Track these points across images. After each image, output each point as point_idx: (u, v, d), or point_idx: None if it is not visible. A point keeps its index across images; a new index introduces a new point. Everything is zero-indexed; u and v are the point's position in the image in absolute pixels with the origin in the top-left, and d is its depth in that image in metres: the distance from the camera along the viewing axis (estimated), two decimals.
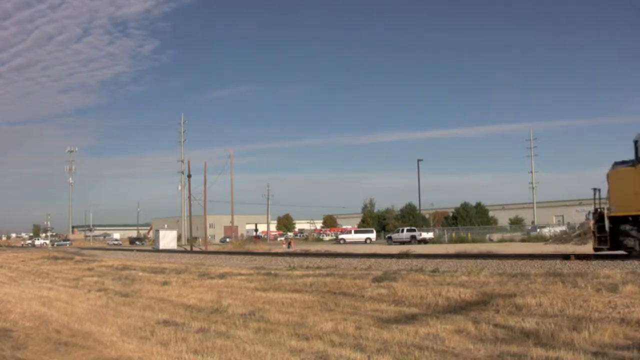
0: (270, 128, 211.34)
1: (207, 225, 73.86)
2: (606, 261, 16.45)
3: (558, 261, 17.52)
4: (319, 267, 19.96)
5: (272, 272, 19.64)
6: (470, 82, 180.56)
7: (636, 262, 15.63)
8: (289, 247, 54.67)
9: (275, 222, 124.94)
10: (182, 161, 66.79)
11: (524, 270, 15.53)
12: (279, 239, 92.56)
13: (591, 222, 20.66)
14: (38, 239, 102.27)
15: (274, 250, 43.44)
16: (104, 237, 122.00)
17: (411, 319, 10.41)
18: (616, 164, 18.45)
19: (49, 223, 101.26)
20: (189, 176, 60.57)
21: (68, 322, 11.59)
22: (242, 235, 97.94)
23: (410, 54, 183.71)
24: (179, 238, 67.04)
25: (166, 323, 11.26)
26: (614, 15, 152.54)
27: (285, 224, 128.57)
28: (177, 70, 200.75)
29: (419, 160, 69.78)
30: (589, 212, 25.31)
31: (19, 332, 10.75)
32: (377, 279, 14.99)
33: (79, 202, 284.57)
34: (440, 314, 10.67)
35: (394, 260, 21.67)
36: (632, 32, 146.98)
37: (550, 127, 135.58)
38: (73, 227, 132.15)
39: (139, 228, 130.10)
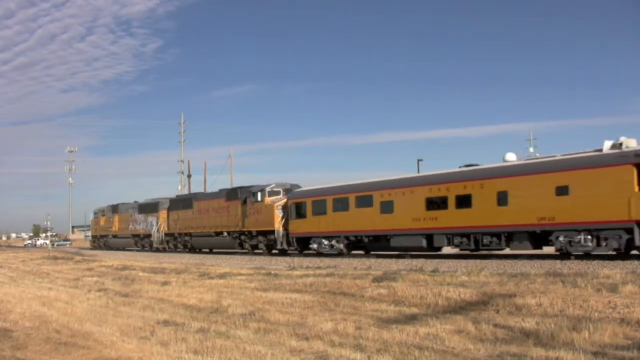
0: (270, 128, 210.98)
1: None
2: (606, 261, 16.45)
3: (558, 261, 17.50)
4: (318, 267, 19.95)
5: (272, 272, 19.63)
6: (471, 82, 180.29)
7: (636, 262, 15.63)
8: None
9: None
10: (182, 161, 66.66)
11: (523, 270, 15.51)
12: None
13: None
14: (39, 239, 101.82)
15: (273, 250, 43.28)
16: None
17: (411, 319, 10.41)
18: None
19: (49, 223, 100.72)
20: (189, 176, 60.57)
21: (68, 322, 11.60)
22: None
23: (411, 54, 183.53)
24: None
25: (166, 323, 11.27)
26: (614, 14, 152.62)
27: None
28: (180, 70, 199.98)
29: (418, 160, 69.51)
30: None
31: (19, 332, 10.75)
32: (377, 279, 14.98)
33: (79, 202, 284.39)
34: (440, 314, 10.67)
35: (393, 260, 21.66)
36: (632, 31, 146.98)
37: (550, 127, 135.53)
38: (73, 227, 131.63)
39: None
